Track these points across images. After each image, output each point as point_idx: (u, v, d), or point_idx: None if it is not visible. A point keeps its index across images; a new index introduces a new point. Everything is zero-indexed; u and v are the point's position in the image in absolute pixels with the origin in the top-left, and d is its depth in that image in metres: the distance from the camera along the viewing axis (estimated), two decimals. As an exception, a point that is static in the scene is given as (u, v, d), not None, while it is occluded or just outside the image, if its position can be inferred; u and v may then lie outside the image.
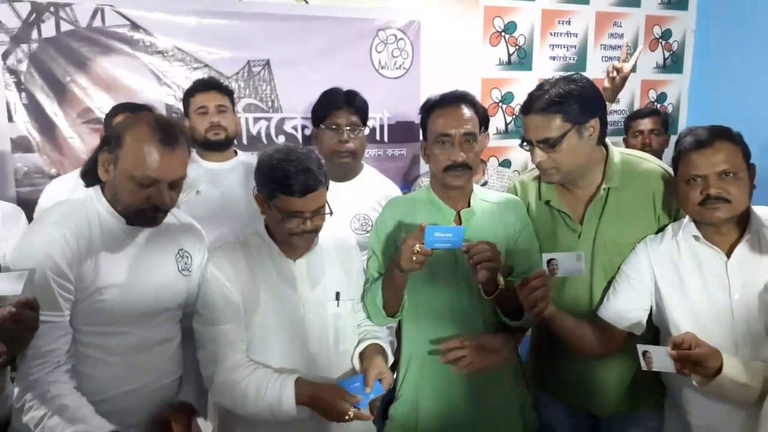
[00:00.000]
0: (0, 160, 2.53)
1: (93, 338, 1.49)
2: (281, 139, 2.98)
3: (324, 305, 1.72)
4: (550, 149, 1.66)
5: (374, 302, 1.74)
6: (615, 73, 2.57)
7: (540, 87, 1.71)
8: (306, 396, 1.57)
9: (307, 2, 2.96)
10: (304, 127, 2.99)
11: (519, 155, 3.51)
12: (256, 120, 2.94)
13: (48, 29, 2.56)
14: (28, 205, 2.17)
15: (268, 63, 2.89)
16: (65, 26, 2.58)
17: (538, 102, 1.66)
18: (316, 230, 1.64)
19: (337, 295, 1.74)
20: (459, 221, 1.76)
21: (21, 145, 2.58)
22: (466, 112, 1.72)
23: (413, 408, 1.81)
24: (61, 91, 2.60)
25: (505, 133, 3.48)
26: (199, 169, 2.39)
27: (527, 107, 1.70)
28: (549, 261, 1.50)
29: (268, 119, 2.96)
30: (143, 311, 1.54)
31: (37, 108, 2.58)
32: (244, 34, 2.84)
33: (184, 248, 1.66)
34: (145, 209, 1.47)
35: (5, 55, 2.51)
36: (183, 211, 1.84)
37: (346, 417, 1.54)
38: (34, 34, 2.54)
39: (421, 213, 1.79)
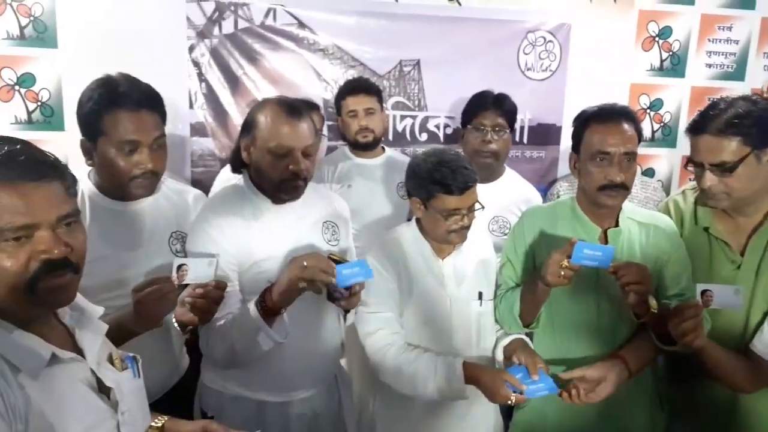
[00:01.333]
0: (180, 143, 2.83)
1: None
2: (424, 137, 3.10)
3: (468, 303, 1.81)
4: (725, 174, 1.55)
5: (511, 311, 1.75)
6: None
7: (715, 106, 1.59)
8: (472, 377, 1.65)
9: (459, 3, 3.04)
10: (446, 126, 3.09)
11: (663, 165, 3.40)
12: (403, 117, 3.07)
13: (227, 26, 2.82)
14: (199, 185, 2.48)
15: (418, 63, 3.01)
16: (242, 23, 2.84)
17: (714, 122, 1.55)
18: (470, 225, 1.74)
19: (480, 294, 1.82)
20: (605, 239, 1.70)
21: (198, 130, 2.88)
22: (628, 129, 1.64)
23: (541, 418, 1.82)
24: (234, 83, 2.87)
25: (651, 141, 3.36)
26: (351, 164, 2.58)
27: (700, 127, 1.59)
28: (704, 292, 1.44)
29: (414, 117, 3.08)
30: None
31: (213, 97, 2.86)
32: (398, 34, 2.96)
33: (329, 220, 1.81)
34: (286, 179, 1.62)
35: (191, 49, 2.80)
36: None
37: (509, 401, 1.61)
38: (216, 30, 2.82)
39: (563, 226, 1.75)
